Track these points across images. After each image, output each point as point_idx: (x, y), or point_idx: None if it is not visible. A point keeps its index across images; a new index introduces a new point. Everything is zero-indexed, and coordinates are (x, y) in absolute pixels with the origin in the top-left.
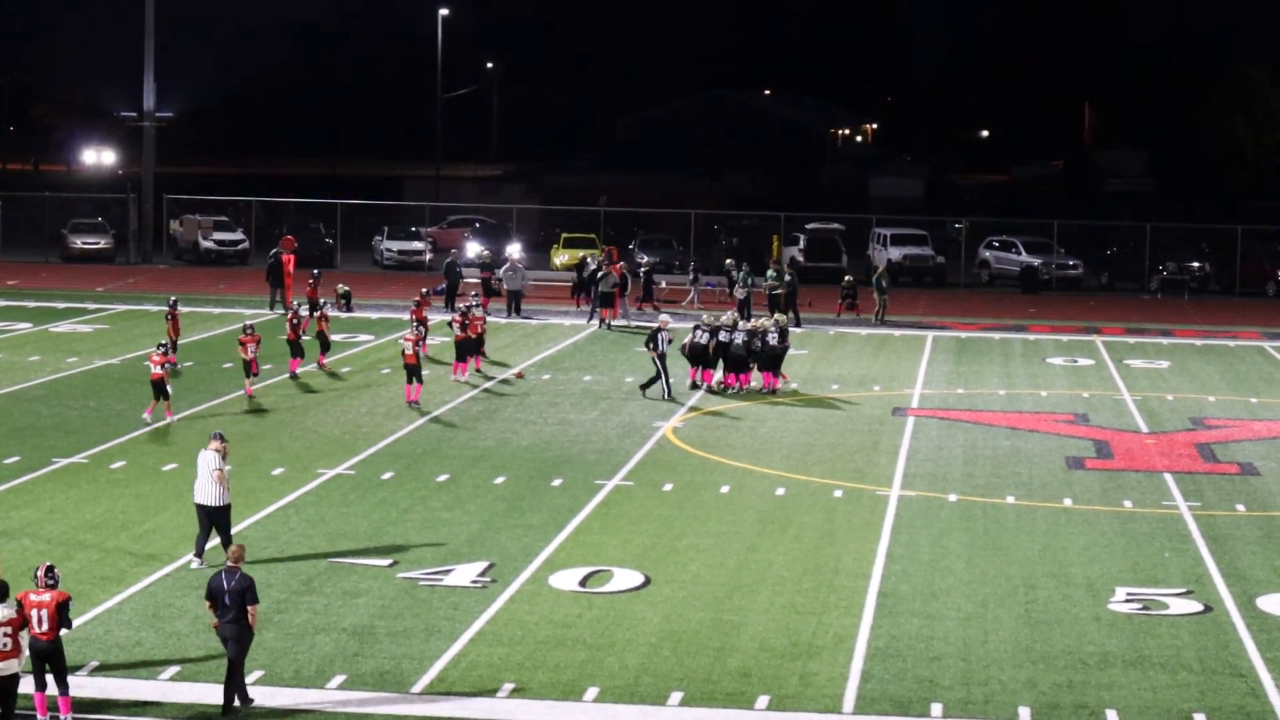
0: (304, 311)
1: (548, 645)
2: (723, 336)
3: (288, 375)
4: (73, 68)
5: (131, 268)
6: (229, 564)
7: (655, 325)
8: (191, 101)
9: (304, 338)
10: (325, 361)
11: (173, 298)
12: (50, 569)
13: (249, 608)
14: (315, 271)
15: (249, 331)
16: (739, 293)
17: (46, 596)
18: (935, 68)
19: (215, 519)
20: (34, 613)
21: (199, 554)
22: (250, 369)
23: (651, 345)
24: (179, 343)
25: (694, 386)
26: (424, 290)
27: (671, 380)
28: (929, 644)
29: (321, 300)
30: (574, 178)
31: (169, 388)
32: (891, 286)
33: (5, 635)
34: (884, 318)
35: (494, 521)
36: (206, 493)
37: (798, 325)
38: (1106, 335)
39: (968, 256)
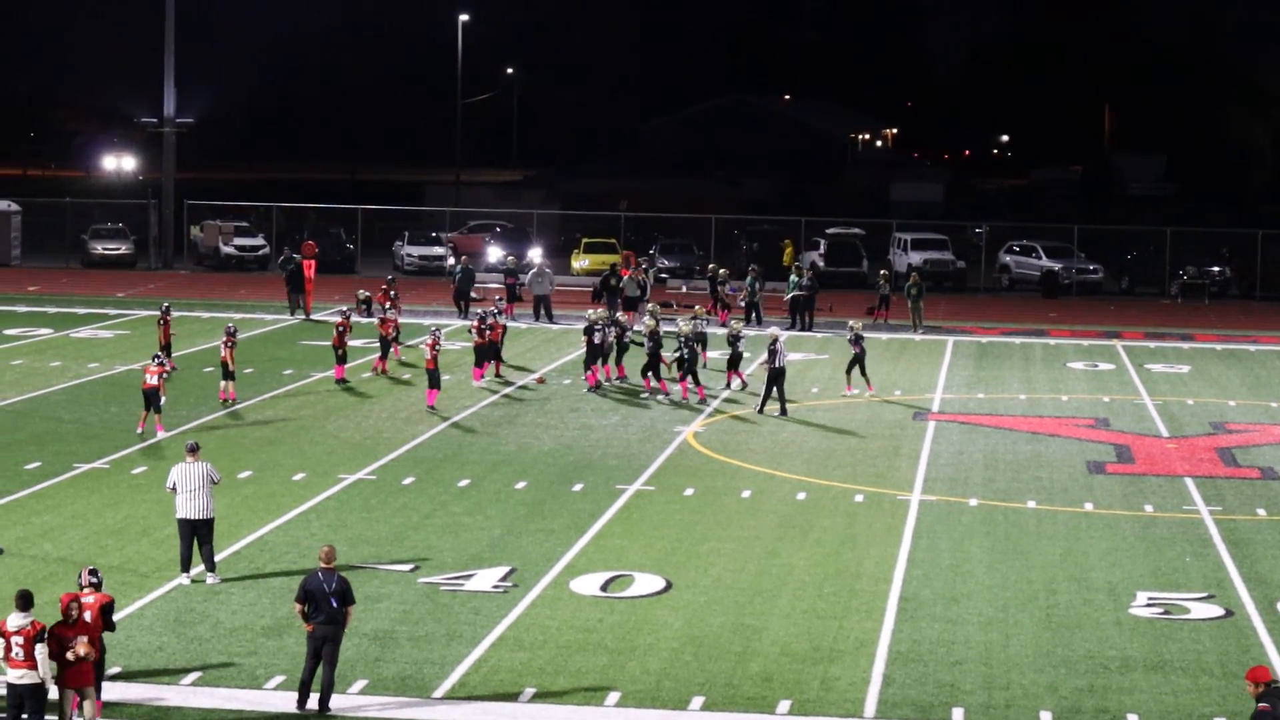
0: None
1: (569, 650)
2: (742, 346)
3: (335, 380)
4: (93, 74)
5: (152, 273)
6: (323, 565)
7: (770, 337)
8: (212, 107)
9: (353, 343)
10: (383, 365)
11: (165, 303)
12: (94, 570)
13: (347, 608)
14: (390, 277)
15: (230, 334)
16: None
17: (91, 598)
18: (955, 72)
19: (201, 531)
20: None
21: (187, 569)
22: (228, 370)
23: (769, 360)
24: (171, 349)
25: (596, 388)
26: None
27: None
28: (950, 648)
29: (386, 305)
30: (594, 182)
31: (163, 400)
32: (925, 294)
33: (19, 645)
34: (921, 323)
35: (515, 526)
36: (194, 506)
37: (809, 329)
38: (1127, 340)
39: (988, 261)
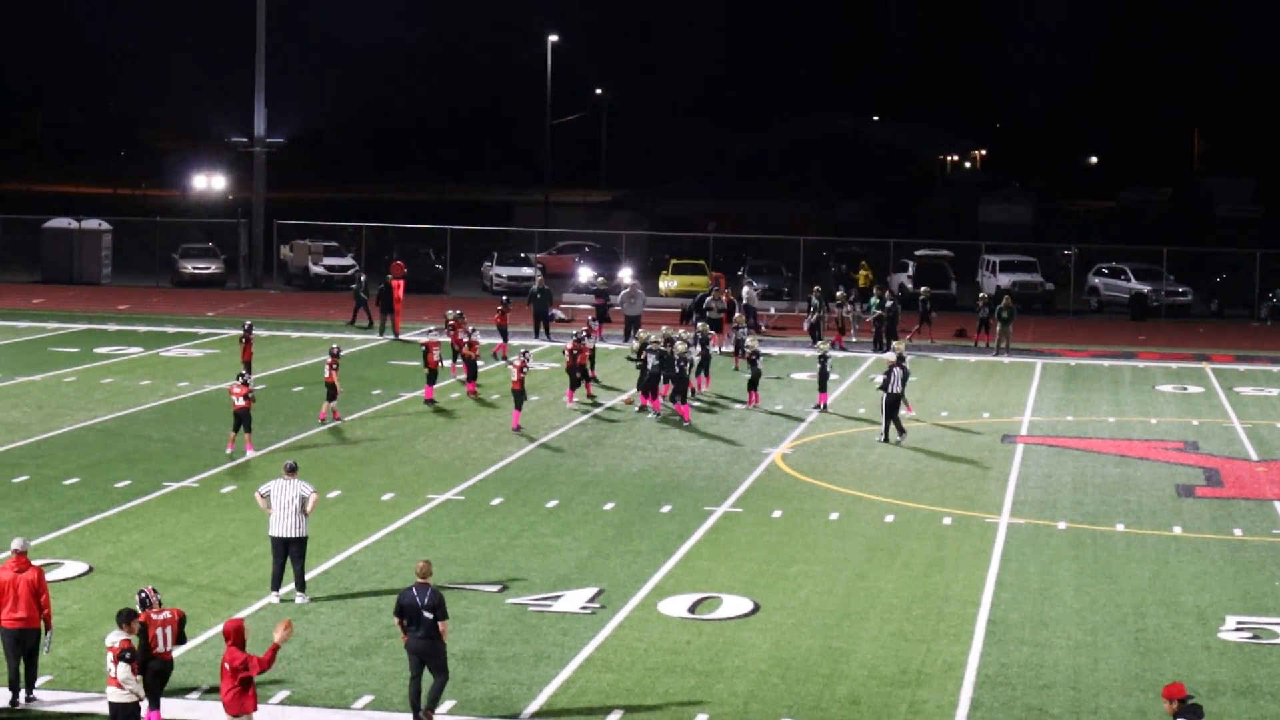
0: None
1: (657, 672)
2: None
3: (424, 400)
4: (183, 93)
5: (242, 293)
6: (419, 580)
7: (888, 362)
8: (302, 127)
9: (445, 363)
10: (472, 387)
11: (247, 321)
12: (155, 589)
13: (440, 623)
14: (505, 298)
15: (335, 355)
16: (810, 317)
17: (167, 614)
18: (1044, 93)
19: (293, 549)
20: (159, 631)
21: (277, 587)
22: (333, 392)
23: (883, 384)
24: (253, 367)
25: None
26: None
27: (892, 424)
28: (1038, 672)
29: (471, 327)
30: (683, 204)
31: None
32: (1015, 317)
33: (110, 662)
34: (1008, 346)
35: (603, 548)
36: (286, 524)
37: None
38: (1216, 362)
39: (1077, 283)
